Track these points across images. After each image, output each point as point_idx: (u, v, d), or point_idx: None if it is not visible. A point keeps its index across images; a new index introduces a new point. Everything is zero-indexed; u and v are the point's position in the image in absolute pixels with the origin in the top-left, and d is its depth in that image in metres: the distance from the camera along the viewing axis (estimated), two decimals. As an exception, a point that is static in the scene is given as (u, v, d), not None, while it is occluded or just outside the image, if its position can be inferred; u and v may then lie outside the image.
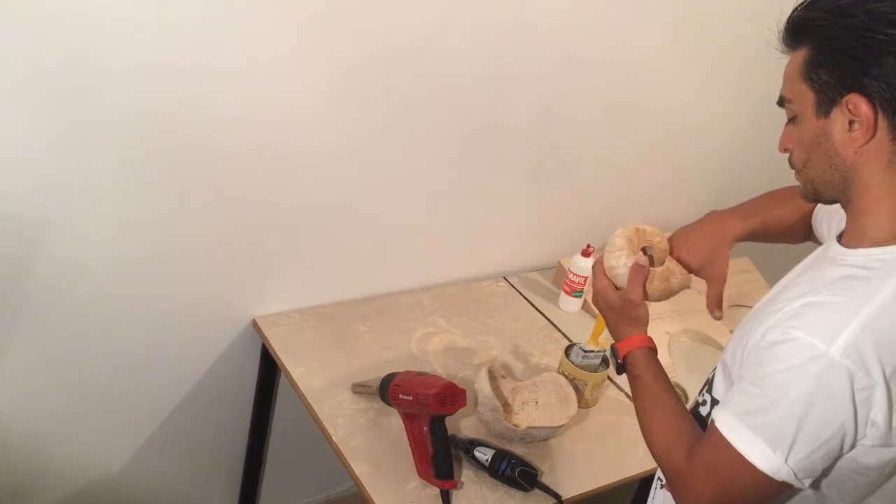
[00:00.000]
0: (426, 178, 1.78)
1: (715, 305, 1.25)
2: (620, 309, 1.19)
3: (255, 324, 1.73)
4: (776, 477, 0.92)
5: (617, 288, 1.20)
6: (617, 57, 1.87)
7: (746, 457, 0.92)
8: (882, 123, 0.92)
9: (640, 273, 1.17)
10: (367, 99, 1.58)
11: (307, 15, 1.41)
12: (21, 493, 1.69)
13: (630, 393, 1.19)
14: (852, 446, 0.93)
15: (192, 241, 1.56)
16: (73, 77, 1.28)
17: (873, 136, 0.92)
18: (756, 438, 0.92)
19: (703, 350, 1.97)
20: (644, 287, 1.18)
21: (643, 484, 1.64)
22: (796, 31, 0.97)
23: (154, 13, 1.28)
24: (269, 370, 1.78)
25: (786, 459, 0.91)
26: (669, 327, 1.96)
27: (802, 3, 0.97)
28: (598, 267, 1.23)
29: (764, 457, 0.91)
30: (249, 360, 1.79)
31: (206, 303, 1.66)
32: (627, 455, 1.59)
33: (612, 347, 1.21)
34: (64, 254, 1.44)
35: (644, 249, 1.23)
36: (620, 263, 1.19)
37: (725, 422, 0.95)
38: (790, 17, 0.98)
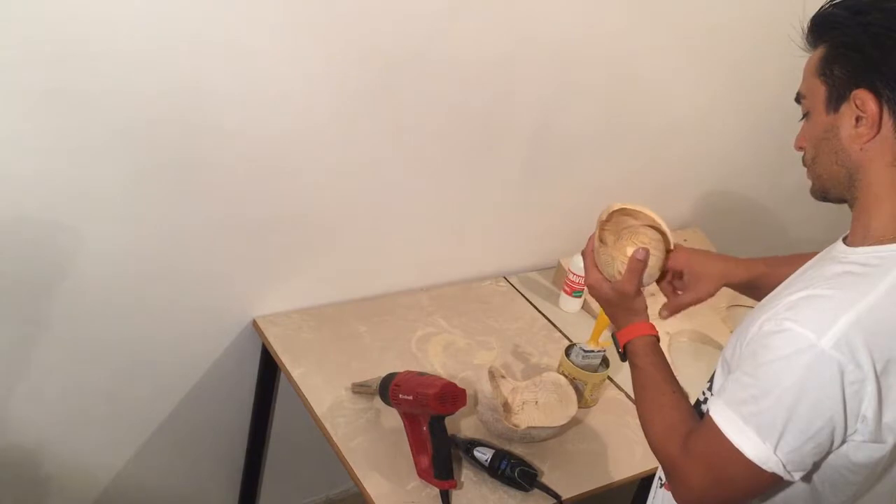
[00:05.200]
0: (425, 178, 1.78)
1: (673, 310, 1.27)
2: (617, 301, 1.21)
3: (255, 324, 1.73)
4: (765, 467, 0.92)
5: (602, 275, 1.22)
6: (617, 57, 1.87)
7: (737, 446, 0.93)
8: (887, 121, 0.94)
9: (637, 268, 1.19)
10: (365, 100, 1.58)
11: (306, 18, 1.41)
12: (22, 493, 1.69)
13: (631, 391, 1.20)
14: (843, 441, 0.94)
15: (192, 241, 1.56)
16: (74, 80, 1.28)
17: (878, 132, 0.94)
18: (746, 428, 0.93)
19: (703, 350, 1.97)
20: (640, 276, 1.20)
21: (643, 484, 1.64)
22: (817, 29, 1.00)
23: (155, 18, 1.28)
24: (269, 370, 1.78)
25: (775, 450, 0.91)
26: (669, 327, 1.96)
27: (827, 2, 0.99)
28: (588, 260, 1.24)
29: (753, 446, 0.92)
30: (249, 360, 1.79)
31: (207, 303, 1.66)
32: (627, 455, 1.59)
33: (614, 336, 1.22)
34: (64, 255, 1.44)
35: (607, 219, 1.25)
36: (611, 260, 1.21)
37: (718, 411, 0.96)
38: (814, 15, 1.00)
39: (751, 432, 0.92)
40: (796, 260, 1.23)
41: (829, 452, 0.95)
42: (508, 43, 1.67)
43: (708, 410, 0.99)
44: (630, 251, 1.21)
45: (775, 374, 0.91)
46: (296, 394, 1.59)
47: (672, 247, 1.27)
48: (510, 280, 2.09)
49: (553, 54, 1.76)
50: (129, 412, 1.72)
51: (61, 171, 1.35)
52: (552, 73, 1.79)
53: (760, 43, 1.98)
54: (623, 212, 1.28)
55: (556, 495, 1.44)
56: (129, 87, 1.33)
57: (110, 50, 1.28)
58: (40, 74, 1.25)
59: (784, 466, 0.92)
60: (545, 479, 1.47)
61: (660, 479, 1.23)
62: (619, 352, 1.21)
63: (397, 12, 1.50)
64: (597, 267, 1.22)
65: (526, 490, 1.44)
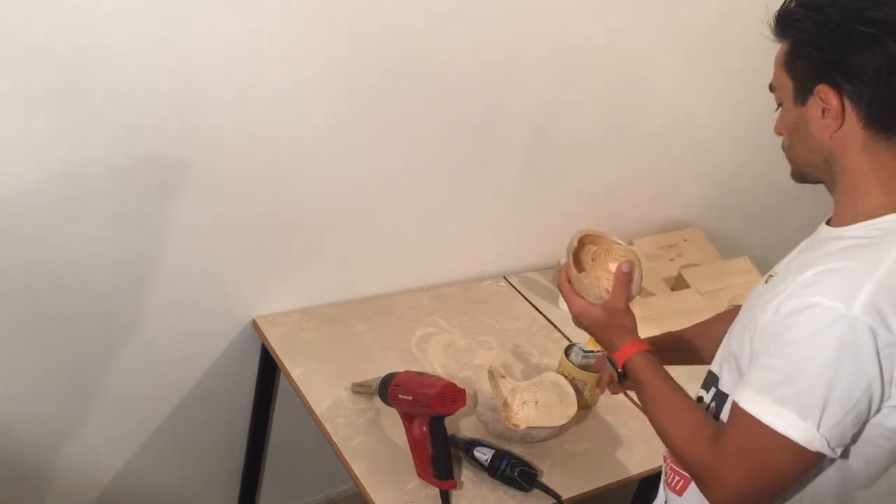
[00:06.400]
0: (426, 177, 1.79)
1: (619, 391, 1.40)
2: (609, 321, 1.20)
3: (255, 324, 1.73)
4: (810, 447, 0.92)
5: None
6: (616, 57, 1.87)
7: (777, 430, 0.92)
8: (850, 112, 0.97)
9: (625, 281, 1.19)
10: (365, 101, 1.58)
11: (305, 19, 1.42)
12: (22, 493, 1.69)
13: (634, 394, 1.20)
14: (878, 409, 0.94)
15: (192, 241, 1.56)
16: (74, 81, 1.28)
17: (843, 123, 0.98)
18: (784, 410, 0.92)
19: (703, 350, 1.97)
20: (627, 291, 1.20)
21: (643, 484, 1.64)
22: (780, 25, 1.03)
23: (155, 19, 1.28)
24: (269, 370, 1.78)
25: (818, 427, 0.91)
26: (669, 328, 1.95)
27: None
28: (567, 291, 1.24)
29: (795, 427, 0.91)
30: (249, 360, 1.79)
31: (206, 303, 1.66)
32: (627, 455, 1.59)
33: (610, 359, 1.22)
34: (63, 254, 1.44)
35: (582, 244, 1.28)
36: (596, 282, 1.21)
37: (750, 400, 0.95)
38: (777, 11, 1.03)
39: (790, 414, 0.91)
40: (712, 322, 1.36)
41: (865, 422, 0.95)
42: (508, 43, 1.67)
43: (736, 403, 0.98)
44: (613, 267, 1.21)
45: (809, 351, 0.91)
46: (296, 394, 1.59)
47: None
48: (510, 280, 2.09)
49: (552, 55, 1.76)
50: (129, 412, 1.72)
51: (60, 171, 1.35)
52: (552, 74, 1.79)
53: (759, 43, 1.98)
54: (586, 239, 1.29)
55: (555, 495, 1.44)
56: (129, 87, 1.33)
57: (110, 50, 1.28)
58: (40, 75, 1.25)
59: (828, 443, 0.92)
60: (545, 479, 1.47)
61: (665, 484, 1.22)
62: (618, 373, 1.21)
63: (397, 13, 1.50)
64: (578, 295, 1.23)
65: (526, 490, 1.44)
